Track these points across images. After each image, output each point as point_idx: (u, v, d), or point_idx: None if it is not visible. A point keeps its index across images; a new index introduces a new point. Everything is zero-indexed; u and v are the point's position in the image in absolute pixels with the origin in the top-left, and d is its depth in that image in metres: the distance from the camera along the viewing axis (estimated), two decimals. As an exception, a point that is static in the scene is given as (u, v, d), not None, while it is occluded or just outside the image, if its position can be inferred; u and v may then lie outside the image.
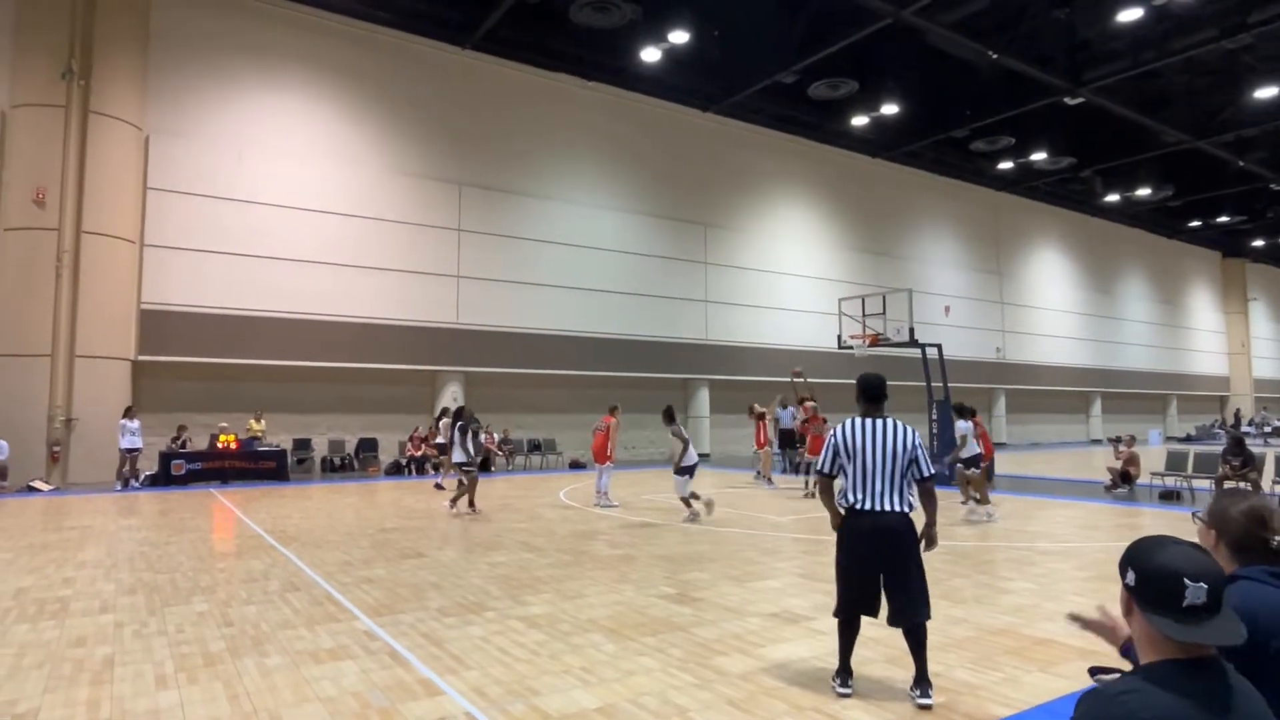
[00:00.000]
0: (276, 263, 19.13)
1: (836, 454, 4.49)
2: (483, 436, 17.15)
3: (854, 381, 4.76)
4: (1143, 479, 14.96)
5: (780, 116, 27.32)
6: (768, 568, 7.97)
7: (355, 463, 20.04)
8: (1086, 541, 9.50)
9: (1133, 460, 14.90)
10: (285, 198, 19.42)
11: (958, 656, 5.13)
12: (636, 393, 24.49)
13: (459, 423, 12.48)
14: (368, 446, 20.33)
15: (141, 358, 17.60)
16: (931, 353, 18.04)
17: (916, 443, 4.45)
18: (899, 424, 4.48)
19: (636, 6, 19.87)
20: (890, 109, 25.91)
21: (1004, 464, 21.28)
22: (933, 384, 18.00)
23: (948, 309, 32.46)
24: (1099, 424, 39.15)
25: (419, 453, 20.03)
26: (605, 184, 24.88)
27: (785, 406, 19.67)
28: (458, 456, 12.25)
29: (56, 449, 16.09)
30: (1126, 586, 1.64)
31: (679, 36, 21.10)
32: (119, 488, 15.98)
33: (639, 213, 25.38)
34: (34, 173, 16.37)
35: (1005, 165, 32.32)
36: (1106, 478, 15.27)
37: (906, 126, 28.01)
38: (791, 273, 28.90)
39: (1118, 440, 15.68)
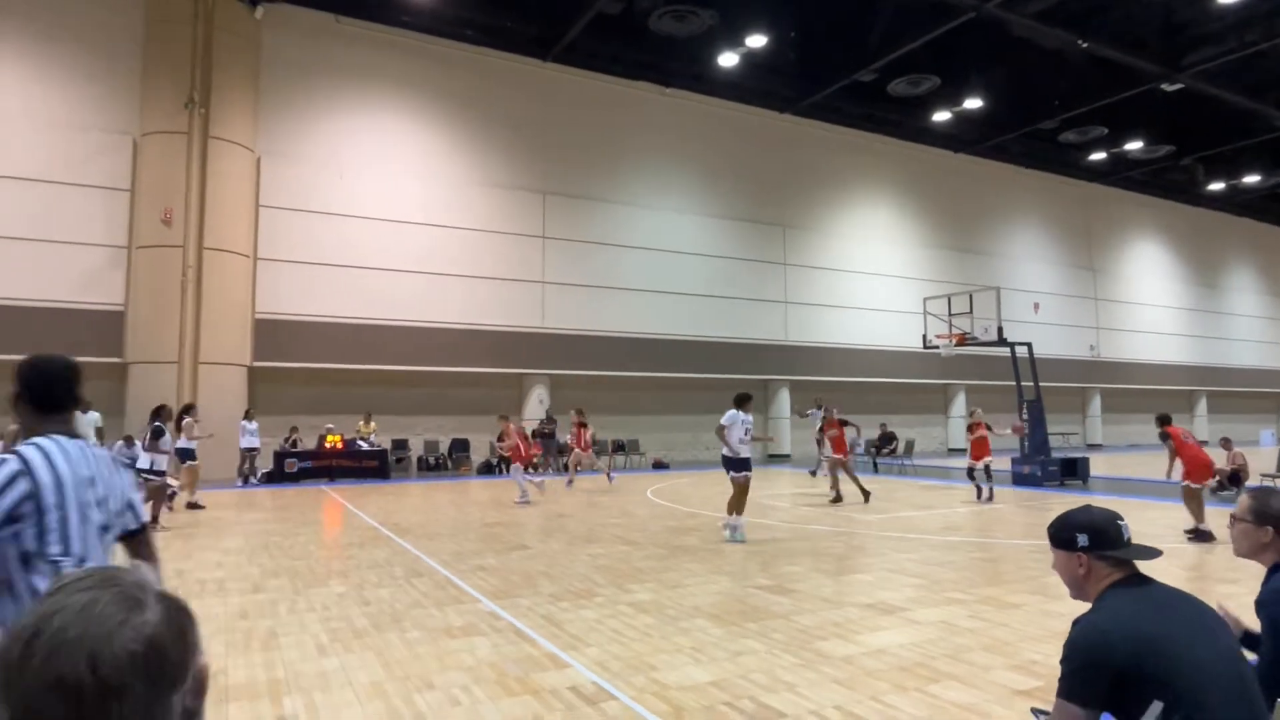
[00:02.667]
0: (374, 273, 20.24)
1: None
2: (567, 436, 17.77)
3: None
4: (1252, 480, 14.38)
5: (859, 115, 27.14)
6: (859, 563, 8.18)
7: (449, 462, 20.97)
8: (1190, 544, 9.32)
9: (1236, 460, 14.39)
10: (381, 211, 20.52)
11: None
12: (717, 394, 24.74)
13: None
14: (460, 447, 21.25)
15: (256, 364, 18.93)
16: (1021, 351, 17.71)
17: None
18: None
19: (714, 12, 20.19)
20: (974, 103, 25.41)
21: (1100, 465, 20.64)
22: (1023, 383, 17.66)
23: (1037, 306, 31.53)
24: (1204, 424, 37.20)
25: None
26: (684, 188, 25.26)
27: (820, 406, 19.12)
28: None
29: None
30: (1081, 549, 2.15)
31: (756, 40, 21.31)
32: (239, 484, 17.27)
33: (718, 216, 25.66)
34: (162, 195, 17.83)
35: (1097, 156, 31.18)
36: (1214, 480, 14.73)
37: (991, 120, 27.41)
38: (873, 272, 28.65)
39: (1228, 441, 15.20)
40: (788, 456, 25.99)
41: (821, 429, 16.67)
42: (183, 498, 13.26)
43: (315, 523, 11.39)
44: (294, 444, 18.27)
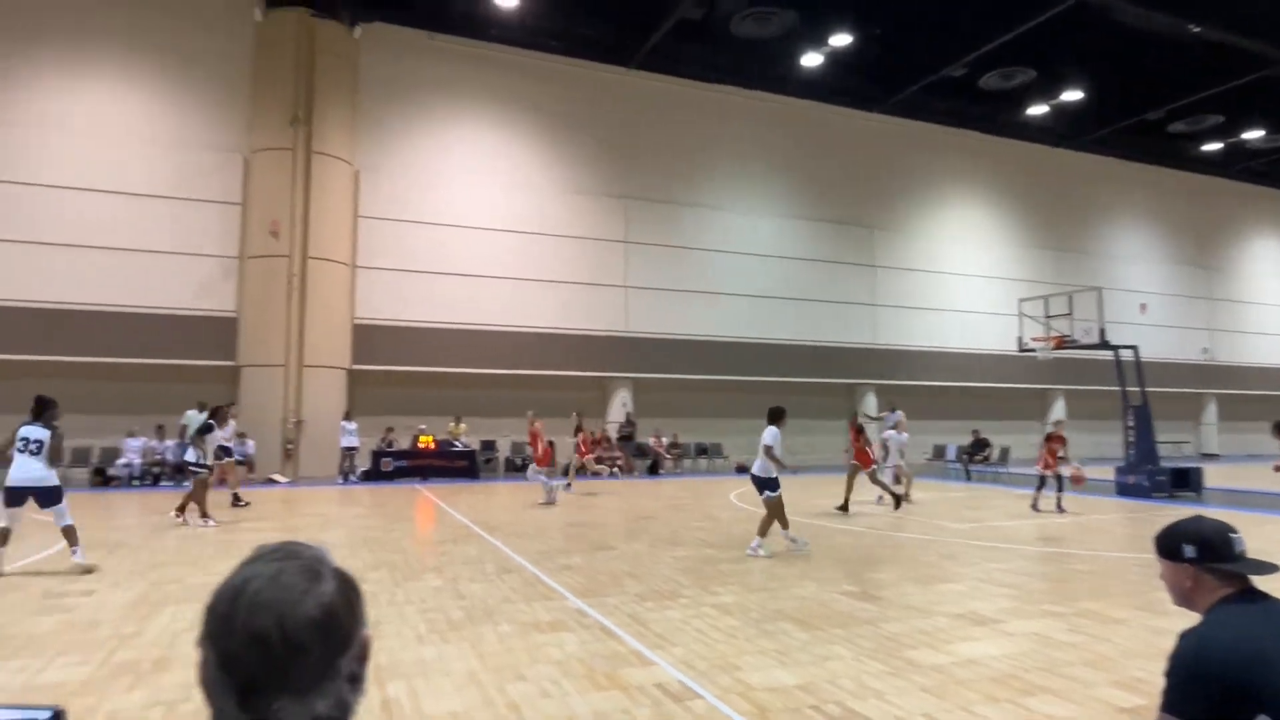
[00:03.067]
0: (463, 279, 20.92)
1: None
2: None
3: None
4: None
5: (949, 111, 26.36)
6: (949, 571, 7.98)
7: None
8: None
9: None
10: (470, 219, 21.21)
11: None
12: (803, 398, 24.46)
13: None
14: (629, 448, 21.70)
15: (355, 367, 19.85)
16: (1126, 354, 16.82)
17: None
18: None
19: (795, 14, 20.01)
20: (1073, 95, 24.34)
21: (1215, 476, 19.36)
22: (1127, 388, 16.77)
23: (1144, 307, 29.87)
24: (1336, 433, 34.26)
25: (590, 454, 21.09)
26: (768, 191, 25.11)
27: (893, 410, 18.24)
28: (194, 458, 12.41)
29: (290, 446, 18.51)
30: (1188, 560, 2.05)
31: (840, 39, 21.02)
32: (340, 481, 18.15)
33: (802, 218, 25.39)
34: (269, 207, 18.95)
35: (1211, 147, 29.32)
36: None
37: (1092, 112, 26.16)
38: (966, 273, 27.76)
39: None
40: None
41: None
42: (221, 494, 13.36)
43: (410, 519, 11.89)
44: (390, 444, 19.08)
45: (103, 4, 18.47)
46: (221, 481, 13.48)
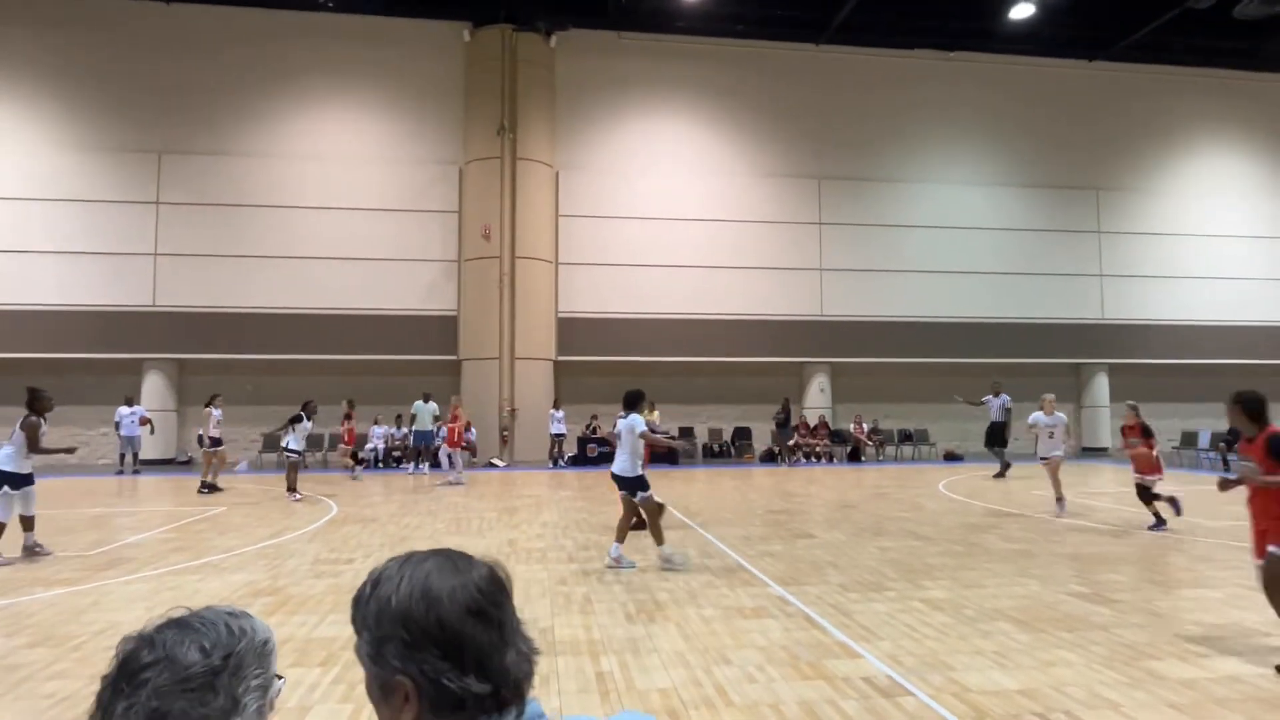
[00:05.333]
0: (658, 270, 21.45)
1: None
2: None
3: None
4: None
5: (1194, 50, 23.02)
6: (1202, 575, 7.08)
7: (731, 450, 21.60)
8: None
9: None
10: (663, 210, 21.67)
11: None
12: (1021, 380, 22.64)
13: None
14: (742, 435, 21.77)
15: (560, 358, 21.06)
16: None
17: None
18: None
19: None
20: (1364, 12, 20.24)
21: None
22: None
23: None
24: None
25: (791, 441, 20.89)
26: (972, 159, 23.36)
27: (997, 394, 16.64)
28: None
29: (505, 433, 20.03)
30: None
31: (1058, -16, 19.00)
32: (550, 466, 19.38)
33: (1014, 185, 23.36)
34: (482, 213, 20.53)
35: None
36: None
37: (1392, 30, 21.66)
38: (1218, 234, 24.18)
39: None
40: (1105, 450, 22.98)
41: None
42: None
43: (614, 503, 12.45)
44: (594, 430, 20.06)
45: (336, 40, 20.89)
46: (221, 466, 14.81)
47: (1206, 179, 24.41)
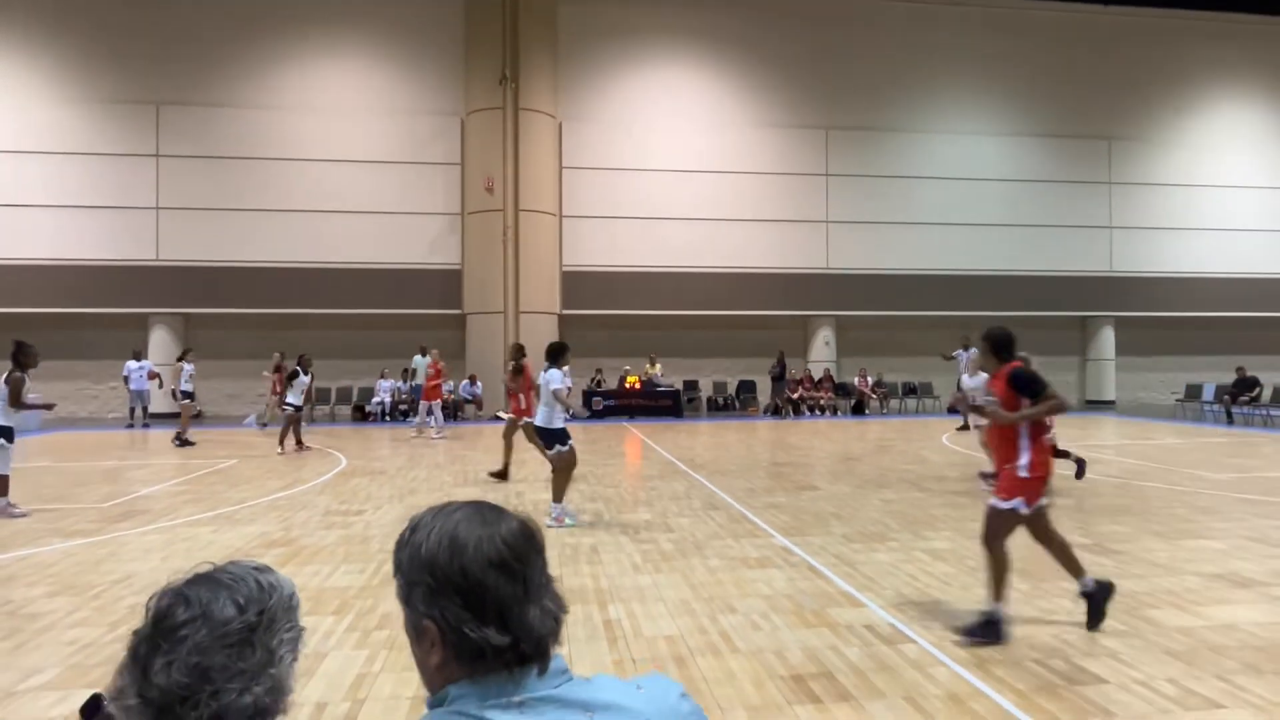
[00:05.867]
0: (663, 222, 21.26)
1: None
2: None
3: None
4: None
5: (1214, -7, 22.36)
6: (1204, 526, 7.15)
7: (736, 403, 21.69)
8: None
9: None
10: (669, 162, 21.39)
11: None
12: (1029, 332, 22.55)
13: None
14: (747, 388, 21.83)
15: (564, 311, 21.03)
16: None
17: None
18: None
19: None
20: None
21: None
22: None
23: None
24: None
25: (795, 394, 20.97)
26: (983, 108, 22.91)
27: (966, 347, 15.26)
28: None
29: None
30: None
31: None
32: (555, 419, 19.49)
33: (1025, 134, 22.96)
34: (484, 165, 20.28)
35: None
36: None
37: None
38: (1231, 184, 23.81)
39: None
40: (1112, 403, 23.02)
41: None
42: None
43: (620, 455, 12.58)
44: (599, 384, 20.13)
45: (337, -11, 20.41)
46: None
47: (1220, 129, 23.94)
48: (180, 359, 15.34)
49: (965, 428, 15.62)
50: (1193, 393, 20.08)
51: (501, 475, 10.20)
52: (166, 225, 19.69)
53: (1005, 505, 4.44)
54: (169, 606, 0.98)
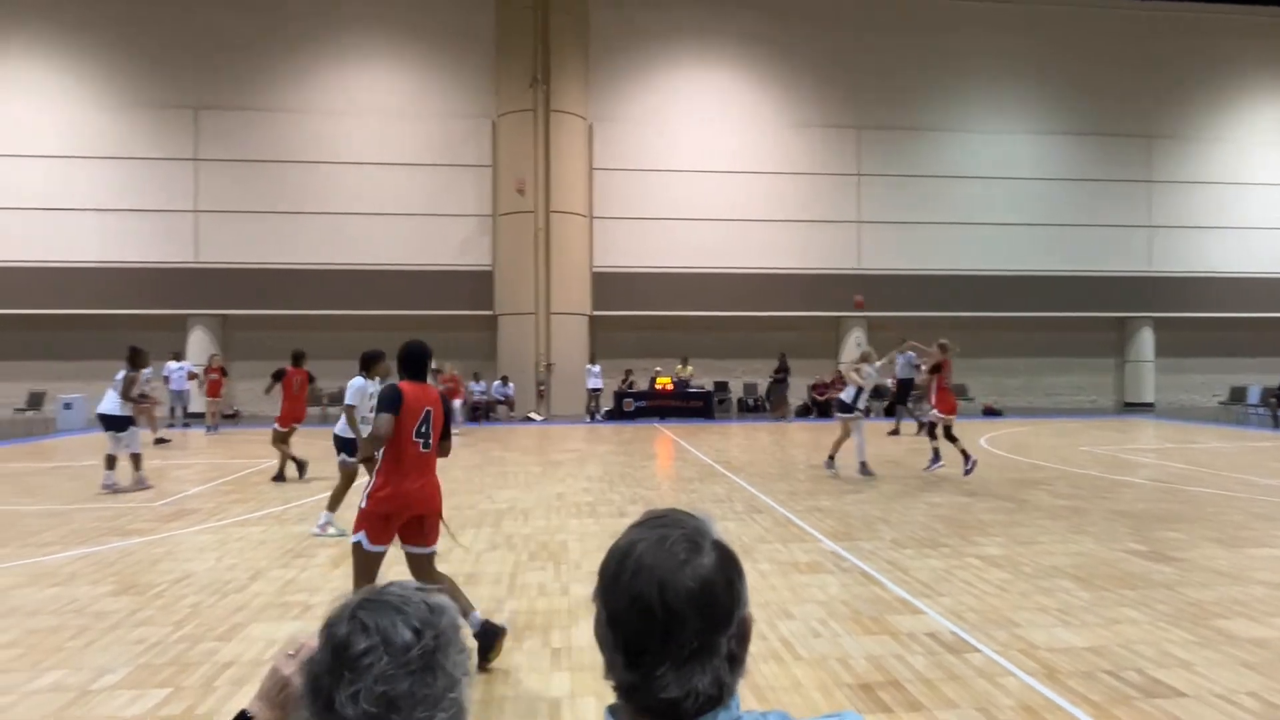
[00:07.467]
0: (693, 223, 21.22)
1: None
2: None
3: None
4: None
5: (1260, -14, 21.87)
6: (1265, 534, 6.98)
7: (766, 404, 21.57)
8: None
9: None
10: (697, 163, 21.35)
11: None
12: (1059, 334, 22.32)
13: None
14: (779, 390, 21.67)
15: (595, 313, 21.06)
16: None
17: None
18: None
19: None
20: None
21: None
22: None
23: None
24: None
25: (824, 397, 20.80)
26: (1019, 106, 22.60)
27: (904, 351, 15.53)
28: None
29: (541, 387, 20.19)
30: None
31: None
32: (587, 420, 19.54)
33: (1061, 133, 22.62)
34: (515, 167, 20.38)
35: None
36: None
37: None
38: (1275, 181, 23.27)
39: None
40: (1151, 405, 22.60)
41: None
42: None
43: (655, 457, 12.57)
44: (630, 385, 20.14)
45: (371, -6, 20.62)
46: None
47: (1264, 125, 23.41)
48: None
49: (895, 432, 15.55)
50: (1236, 395, 19.65)
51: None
52: (205, 228, 20.01)
53: None
54: (347, 635, 0.96)
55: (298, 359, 10.44)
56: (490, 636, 4.09)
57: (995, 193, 22.21)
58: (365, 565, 4.14)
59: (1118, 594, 5.21)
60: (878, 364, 10.90)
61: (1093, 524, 7.39)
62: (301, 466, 10.15)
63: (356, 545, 4.16)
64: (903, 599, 5.15)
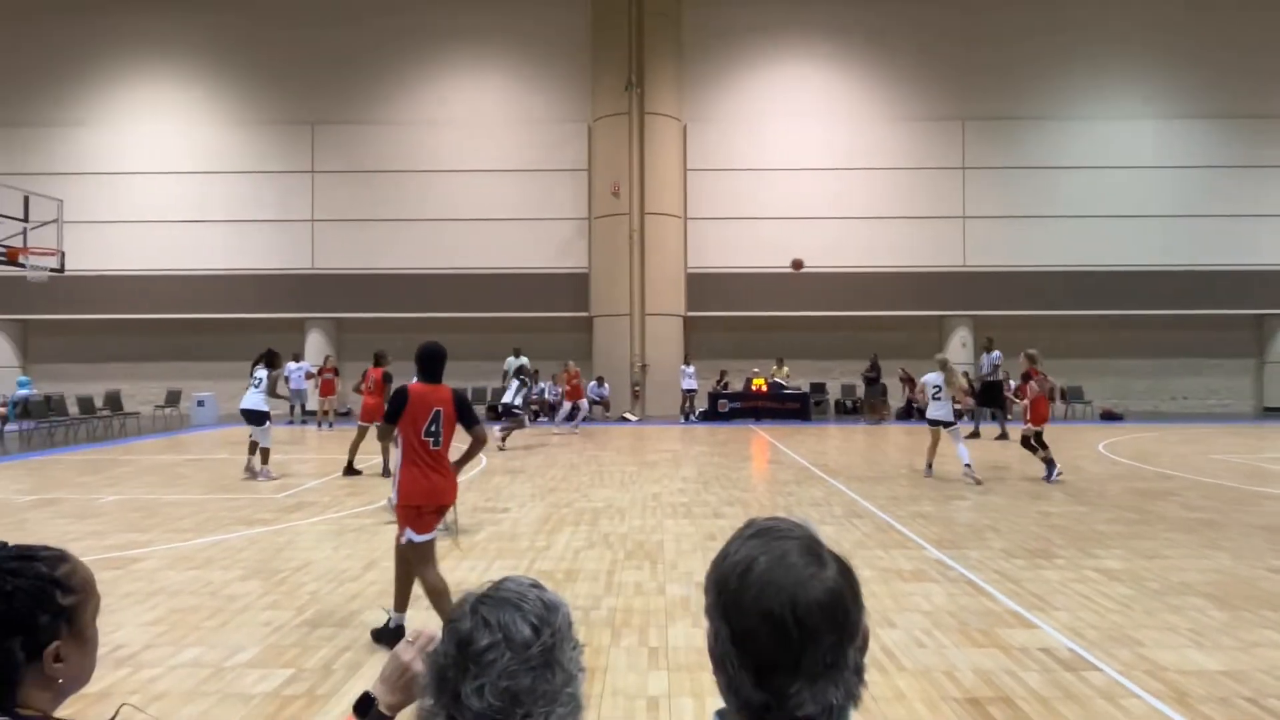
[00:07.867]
0: (788, 222, 20.92)
1: None
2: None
3: None
4: None
5: None
6: None
7: (864, 406, 21.00)
8: None
9: None
10: (792, 160, 21.04)
11: None
12: (1191, 334, 20.82)
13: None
14: (874, 391, 21.08)
15: (689, 314, 21.06)
16: None
17: None
18: None
19: None
20: None
21: None
22: None
23: None
24: None
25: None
26: (1138, 89, 21.19)
27: (990, 350, 15.53)
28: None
29: (636, 388, 20.35)
30: None
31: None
32: (681, 421, 19.57)
33: (1187, 116, 21.07)
34: (610, 170, 20.63)
35: None
36: None
37: None
38: None
39: None
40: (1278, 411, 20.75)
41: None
42: None
43: (751, 459, 12.46)
44: (724, 386, 20.06)
45: (467, 4, 21.31)
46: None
47: None
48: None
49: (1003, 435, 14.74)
50: (1398, 400, 17.78)
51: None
52: (321, 236, 21.20)
53: None
54: (470, 631, 1.00)
55: (379, 359, 11.00)
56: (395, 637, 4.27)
57: (1113, 183, 20.89)
58: (421, 555, 4.41)
59: (1258, 615, 4.82)
60: (950, 373, 10.51)
61: (1229, 539, 6.86)
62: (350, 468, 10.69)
63: (409, 543, 4.40)
64: (1014, 612, 4.92)
